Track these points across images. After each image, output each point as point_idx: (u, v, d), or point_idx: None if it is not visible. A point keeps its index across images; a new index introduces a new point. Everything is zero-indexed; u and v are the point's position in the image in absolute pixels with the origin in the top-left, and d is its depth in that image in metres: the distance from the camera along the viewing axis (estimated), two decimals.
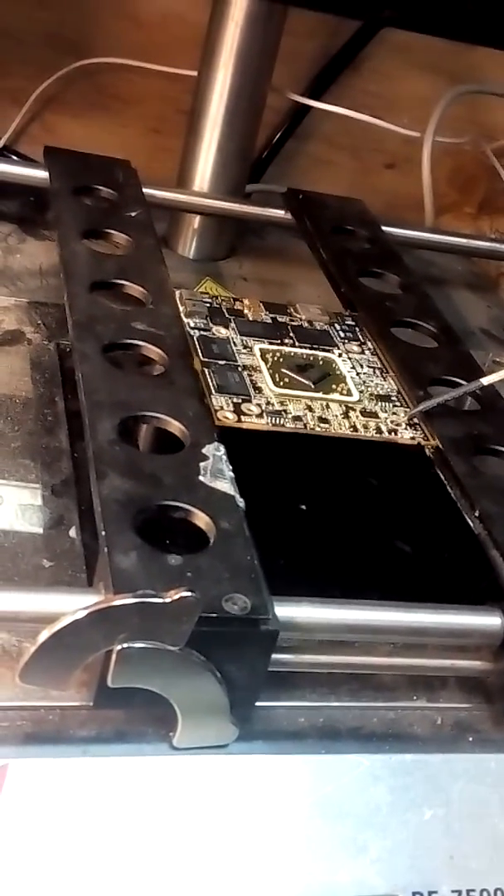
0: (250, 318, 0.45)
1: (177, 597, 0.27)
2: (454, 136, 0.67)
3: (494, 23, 0.42)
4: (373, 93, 0.68)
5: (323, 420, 0.39)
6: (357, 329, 0.46)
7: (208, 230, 0.59)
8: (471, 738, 0.33)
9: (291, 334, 0.44)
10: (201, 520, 0.31)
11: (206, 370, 0.40)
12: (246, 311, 0.45)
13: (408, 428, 0.40)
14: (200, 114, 0.55)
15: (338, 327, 0.46)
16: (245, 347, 0.42)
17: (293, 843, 0.30)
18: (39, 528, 0.37)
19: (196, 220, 0.59)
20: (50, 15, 0.61)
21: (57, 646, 0.27)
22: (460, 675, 0.35)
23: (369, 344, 0.46)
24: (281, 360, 0.42)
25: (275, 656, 0.30)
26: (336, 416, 0.40)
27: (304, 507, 0.38)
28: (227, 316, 0.44)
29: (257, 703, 0.31)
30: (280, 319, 0.45)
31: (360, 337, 0.46)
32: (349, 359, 0.44)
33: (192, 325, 0.43)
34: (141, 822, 0.29)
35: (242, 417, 0.38)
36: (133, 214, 0.49)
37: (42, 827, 0.28)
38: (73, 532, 0.37)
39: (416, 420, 0.41)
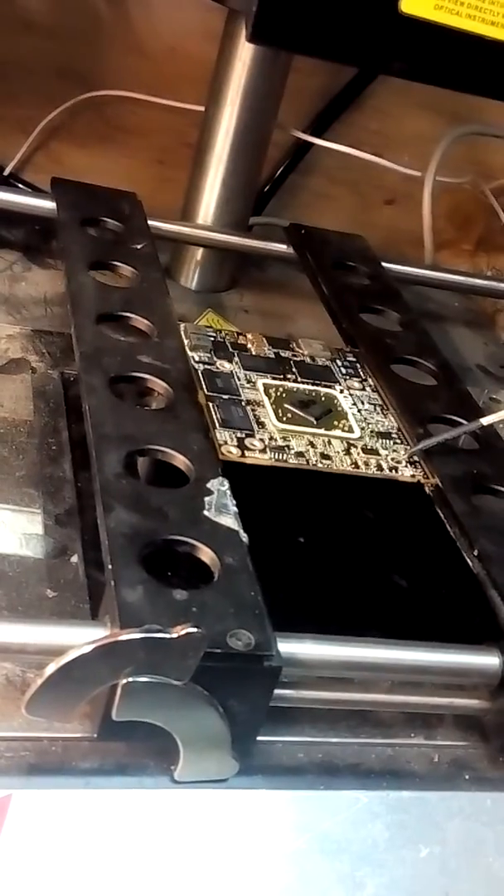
0: (253, 353, 0.45)
1: (183, 633, 0.27)
2: (454, 175, 0.68)
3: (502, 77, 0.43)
4: (374, 130, 0.69)
5: (325, 456, 0.40)
6: (358, 365, 0.47)
7: (211, 262, 0.60)
8: (467, 776, 0.34)
9: (294, 369, 0.45)
10: (206, 555, 0.32)
11: (210, 404, 0.41)
12: (249, 345, 0.46)
13: (408, 466, 0.41)
14: (206, 149, 0.56)
15: (339, 363, 0.47)
16: (248, 382, 0.43)
17: (291, 878, 0.30)
18: (43, 557, 0.37)
19: (199, 252, 0.59)
20: (59, 47, 0.62)
21: (63, 679, 0.27)
22: (457, 713, 0.35)
23: (370, 380, 0.46)
24: (284, 395, 0.43)
25: (275, 691, 0.30)
26: (338, 452, 0.40)
27: (305, 542, 0.38)
28: (230, 350, 0.45)
29: (257, 738, 0.31)
30: (283, 354, 0.46)
31: (362, 373, 0.47)
32: (350, 395, 0.45)
33: (196, 358, 0.43)
34: (141, 855, 0.29)
35: (246, 452, 0.39)
36: (139, 247, 0.49)
37: (44, 857, 0.28)
38: (76, 562, 0.37)
39: (416, 458, 0.41)
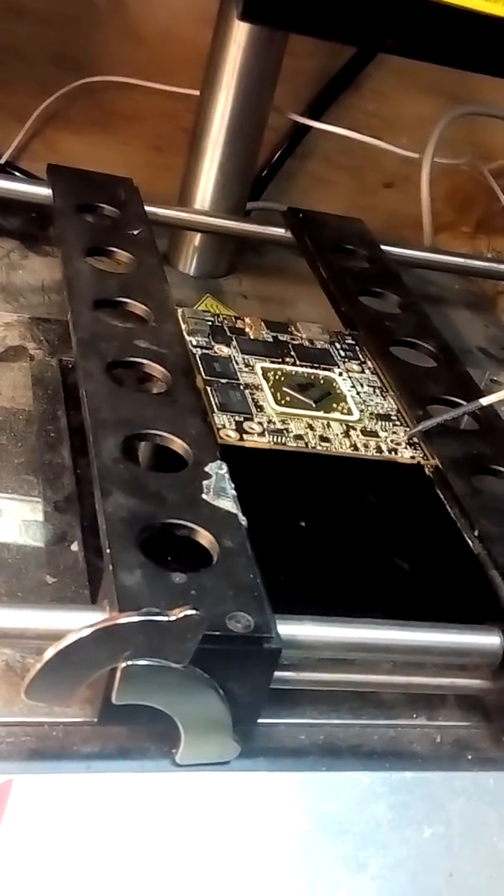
0: (252, 337, 0.45)
1: (181, 615, 0.27)
2: (452, 156, 0.68)
3: (497, 52, 0.43)
4: (372, 113, 0.68)
5: (324, 439, 0.40)
6: (357, 348, 0.47)
7: (209, 248, 0.60)
8: (469, 756, 0.34)
9: (292, 353, 0.45)
10: (204, 538, 0.32)
11: (208, 388, 0.40)
12: (247, 329, 0.46)
13: (408, 447, 0.41)
14: (202, 133, 0.56)
15: (338, 346, 0.47)
16: (247, 366, 0.43)
17: (294, 860, 0.30)
18: (42, 543, 0.37)
19: (197, 238, 0.59)
20: (54, 33, 0.62)
21: (62, 663, 0.27)
22: (459, 694, 0.35)
23: (369, 363, 0.46)
24: (282, 378, 0.43)
25: (276, 673, 0.30)
26: (337, 434, 0.40)
27: (304, 525, 0.38)
28: (228, 334, 0.45)
29: (258, 721, 0.31)
30: (281, 338, 0.46)
31: (360, 356, 0.46)
32: (349, 378, 0.44)
33: (194, 343, 0.43)
34: (143, 838, 0.29)
35: (244, 436, 0.38)
36: (135, 233, 0.49)
37: (46, 842, 0.28)
38: (75, 548, 0.37)
39: (415, 439, 0.41)
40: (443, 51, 0.43)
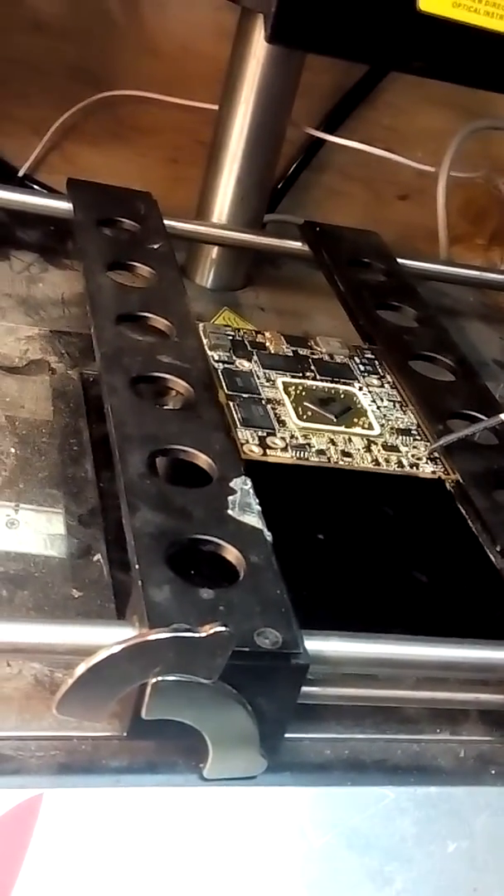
0: (272, 351, 0.46)
1: (211, 631, 0.27)
2: (467, 169, 0.68)
3: None
4: (387, 126, 0.69)
5: (346, 454, 0.40)
6: (376, 362, 0.47)
7: (226, 260, 0.60)
8: (493, 771, 0.34)
9: (313, 367, 0.45)
10: (231, 553, 0.32)
11: (230, 403, 0.41)
12: (268, 343, 0.46)
13: (428, 462, 0.41)
14: (221, 147, 0.56)
15: (357, 360, 0.47)
16: (268, 381, 0.43)
17: (320, 874, 0.31)
18: (67, 557, 0.37)
19: (214, 251, 0.60)
20: (72, 47, 0.62)
21: (93, 679, 0.27)
22: (483, 708, 0.35)
23: (389, 377, 0.46)
24: (303, 393, 0.43)
25: (302, 689, 0.30)
26: (358, 449, 0.41)
27: (327, 539, 0.38)
28: (249, 349, 0.45)
29: (285, 735, 0.31)
30: (301, 352, 0.46)
31: (380, 370, 0.47)
32: (369, 392, 0.45)
33: (216, 357, 0.44)
34: (172, 852, 0.29)
35: (268, 451, 0.39)
36: (156, 247, 0.49)
37: (75, 856, 0.29)
38: (100, 562, 0.37)
39: (436, 454, 0.41)
40: (466, 72, 0.44)
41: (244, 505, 0.34)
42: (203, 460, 0.36)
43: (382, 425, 0.42)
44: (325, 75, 0.66)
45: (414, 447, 0.42)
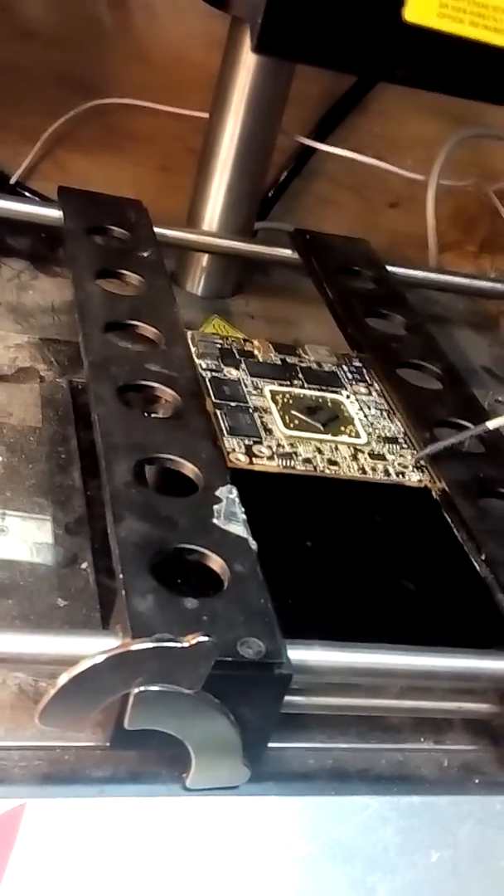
0: (260, 360, 0.46)
1: (194, 642, 0.27)
2: (457, 177, 0.68)
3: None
4: (377, 134, 0.69)
5: (332, 462, 0.40)
6: (364, 370, 0.47)
7: (216, 268, 0.60)
8: (477, 780, 0.34)
9: (300, 376, 0.45)
10: (216, 563, 0.32)
11: (217, 412, 0.41)
12: (256, 352, 0.46)
13: (415, 470, 0.41)
14: (211, 155, 0.56)
15: (345, 369, 0.47)
16: (255, 389, 0.43)
17: (303, 884, 0.31)
18: (54, 566, 0.37)
19: (204, 258, 0.60)
20: (63, 56, 0.63)
21: (76, 689, 0.27)
22: (466, 718, 0.35)
23: (376, 385, 0.46)
24: (291, 401, 0.43)
25: (285, 698, 0.30)
26: (345, 458, 0.41)
27: (313, 548, 0.38)
28: (237, 357, 0.45)
29: (268, 745, 0.31)
30: (289, 361, 0.46)
31: (368, 378, 0.47)
32: (357, 400, 0.45)
33: (203, 366, 0.44)
34: (154, 862, 0.29)
35: (254, 459, 0.39)
36: (145, 255, 0.50)
37: (58, 866, 0.29)
38: (87, 570, 0.37)
39: (422, 463, 0.42)
40: (452, 81, 0.44)
41: (229, 514, 0.34)
42: (189, 469, 0.36)
43: (369, 434, 0.43)
44: (315, 84, 0.66)
45: (401, 455, 0.42)
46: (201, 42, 0.62)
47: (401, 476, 0.41)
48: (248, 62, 0.53)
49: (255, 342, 0.47)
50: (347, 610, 0.37)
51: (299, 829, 0.31)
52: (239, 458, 0.39)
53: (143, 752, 0.31)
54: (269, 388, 0.44)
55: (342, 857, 0.31)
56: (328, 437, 0.42)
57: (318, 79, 0.66)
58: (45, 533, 0.39)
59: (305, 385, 0.45)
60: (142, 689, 0.28)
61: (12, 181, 0.65)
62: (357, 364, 0.48)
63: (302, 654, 0.31)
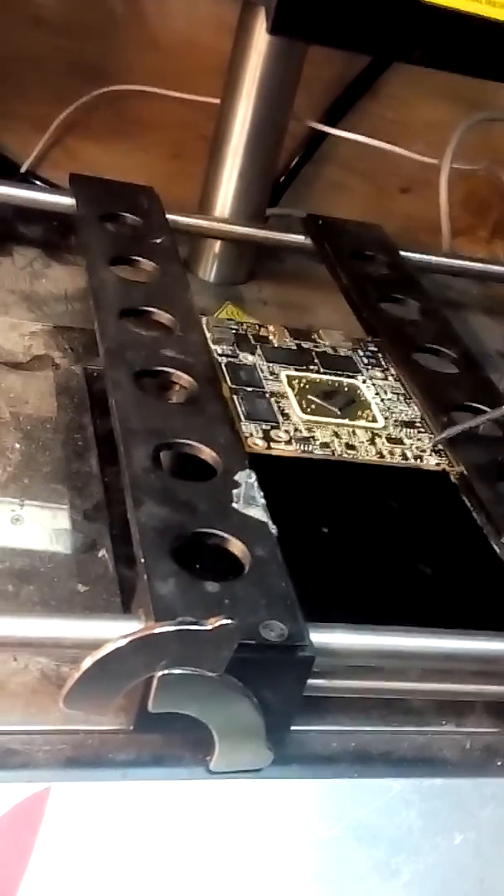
0: (276, 345, 0.46)
1: (217, 624, 0.27)
2: (469, 161, 0.68)
3: None
4: (389, 119, 0.69)
5: (350, 446, 0.40)
6: (380, 355, 0.47)
7: (229, 254, 0.60)
8: (499, 763, 0.34)
9: (316, 360, 0.45)
10: (236, 547, 0.32)
11: (234, 397, 0.41)
12: (271, 337, 0.46)
13: (433, 454, 0.41)
14: (223, 141, 0.56)
15: (361, 353, 0.47)
16: (272, 374, 0.43)
17: (327, 866, 0.31)
18: (73, 552, 0.37)
19: (217, 245, 0.59)
20: (73, 43, 0.62)
21: (100, 673, 0.27)
22: (488, 700, 0.35)
23: (392, 370, 0.46)
24: (307, 386, 0.43)
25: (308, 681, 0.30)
26: (363, 442, 0.41)
27: (331, 532, 0.38)
28: (253, 342, 0.45)
29: (291, 728, 0.31)
30: (305, 345, 0.46)
31: (383, 363, 0.47)
32: (373, 385, 0.45)
33: (219, 351, 0.44)
34: (178, 845, 0.30)
35: (272, 444, 0.39)
36: (158, 241, 0.49)
37: (82, 848, 0.29)
38: (105, 556, 0.37)
39: (440, 446, 0.41)
40: (469, 62, 0.43)
41: (249, 498, 0.34)
42: (207, 454, 0.36)
43: (386, 418, 0.42)
44: (326, 68, 0.66)
45: (418, 439, 0.42)
46: (211, 27, 0.62)
47: (419, 460, 0.41)
48: (259, 47, 0.52)
49: (271, 327, 0.47)
50: (366, 593, 0.37)
51: (322, 812, 0.31)
52: (257, 443, 0.38)
53: (167, 736, 0.31)
54: (285, 373, 0.44)
55: (366, 840, 0.31)
56: (345, 421, 0.41)
57: (329, 63, 0.66)
58: (63, 520, 0.39)
59: (321, 370, 0.45)
60: (165, 672, 0.28)
61: (23, 169, 0.65)
62: (372, 349, 0.48)
63: (324, 637, 0.30)
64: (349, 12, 0.41)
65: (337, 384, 0.44)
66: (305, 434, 0.40)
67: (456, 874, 0.32)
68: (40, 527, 0.38)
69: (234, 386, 0.41)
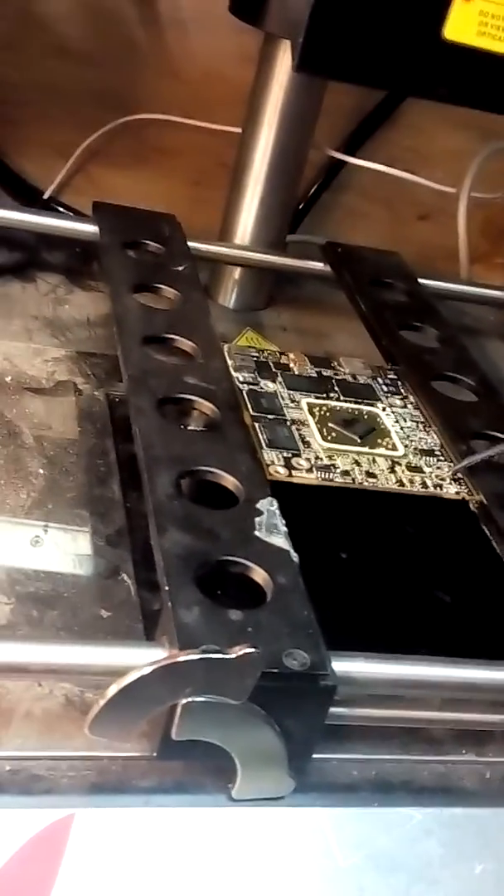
0: (296, 373, 0.46)
1: (241, 653, 0.28)
2: (487, 190, 0.69)
3: None
4: (408, 147, 0.69)
5: (370, 474, 0.40)
6: (399, 383, 0.48)
7: (249, 281, 0.60)
8: None
9: (336, 388, 0.46)
10: (259, 575, 0.32)
11: (256, 424, 0.41)
12: (292, 364, 0.47)
13: (452, 483, 0.41)
14: (244, 169, 0.57)
15: (380, 381, 0.47)
16: (292, 401, 0.44)
17: (347, 894, 0.31)
18: (95, 577, 0.38)
19: (237, 272, 0.60)
20: (97, 72, 0.63)
21: (124, 699, 0.28)
22: None
23: (411, 398, 0.47)
24: (328, 414, 0.43)
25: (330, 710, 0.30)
26: (383, 470, 0.41)
27: (352, 560, 0.38)
28: (273, 370, 0.46)
29: (312, 756, 0.31)
30: (325, 373, 0.47)
31: (403, 391, 0.47)
32: (392, 413, 0.45)
33: (241, 379, 0.44)
34: (200, 872, 0.30)
35: (293, 472, 0.39)
36: (180, 269, 0.50)
37: (106, 875, 0.29)
38: (127, 582, 0.38)
39: (460, 475, 0.42)
40: (491, 99, 0.44)
41: (271, 526, 0.34)
42: (230, 481, 0.36)
43: (406, 446, 0.43)
44: (346, 97, 0.66)
45: (438, 468, 0.42)
46: (232, 57, 0.63)
47: (438, 488, 0.41)
48: (281, 78, 0.53)
49: (291, 355, 0.47)
50: (386, 621, 0.37)
51: (343, 840, 0.31)
52: (278, 471, 0.39)
53: (190, 763, 0.31)
54: (305, 400, 0.44)
55: (386, 869, 0.31)
56: (365, 449, 0.42)
57: (349, 92, 0.66)
58: (85, 545, 0.39)
59: (342, 397, 0.45)
60: (189, 699, 0.28)
61: (45, 196, 0.66)
62: (392, 376, 0.48)
63: (346, 666, 0.31)
64: (375, 51, 0.42)
65: (357, 412, 0.44)
66: (326, 462, 0.40)
67: None
68: (63, 551, 0.38)
69: (255, 413, 0.42)
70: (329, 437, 0.42)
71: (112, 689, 0.27)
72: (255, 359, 0.46)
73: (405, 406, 0.46)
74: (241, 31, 0.53)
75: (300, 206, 0.69)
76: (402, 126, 0.69)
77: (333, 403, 0.44)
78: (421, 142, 0.69)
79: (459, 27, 0.41)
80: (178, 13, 0.63)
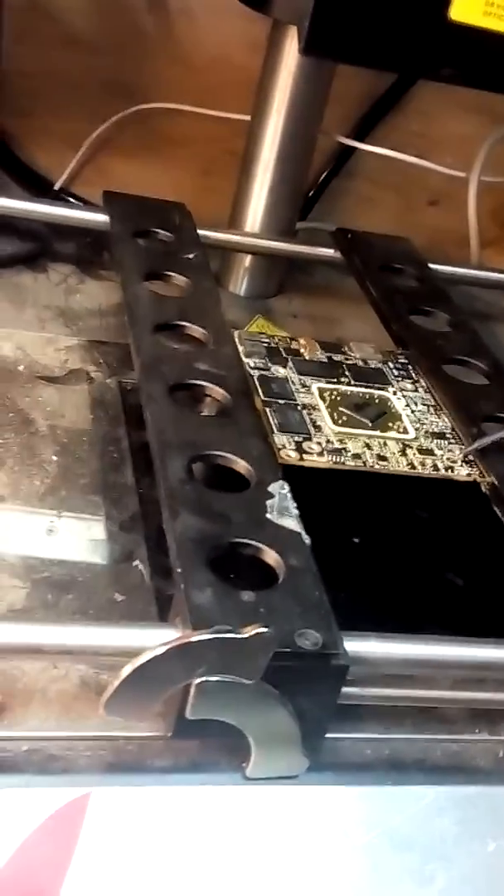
0: (307, 358, 0.46)
1: (253, 633, 0.28)
2: (497, 174, 0.68)
3: None
4: (417, 132, 0.69)
5: (381, 458, 0.41)
6: (410, 367, 0.48)
7: (259, 269, 0.61)
8: None
9: (347, 373, 0.46)
10: (270, 556, 0.33)
11: (267, 409, 0.41)
12: (302, 350, 0.47)
13: (463, 465, 0.41)
14: (253, 157, 0.57)
15: (391, 365, 0.47)
16: (303, 386, 0.44)
17: (362, 872, 0.31)
18: (110, 563, 0.38)
19: (247, 259, 0.60)
20: (106, 62, 0.64)
21: (139, 680, 0.28)
22: None
23: (422, 382, 0.47)
24: (338, 398, 0.43)
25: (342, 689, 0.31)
26: (394, 453, 0.41)
27: (363, 542, 0.39)
28: (284, 355, 0.46)
29: (325, 735, 0.32)
30: (335, 358, 0.47)
31: (413, 375, 0.47)
32: (403, 397, 0.45)
33: (251, 364, 0.44)
34: (216, 850, 0.30)
35: (304, 456, 0.39)
36: (190, 257, 0.50)
37: (122, 853, 0.29)
38: (141, 567, 0.38)
39: (471, 457, 0.42)
40: (498, 79, 0.44)
41: (282, 509, 0.35)
42: (241, 465, 0.36)
43: (417, 429, 0.43)
44: (354, 83, 0.66)
45: (449, 450, 0.42)
46: (241, 45, 0.63)
47: (450, 471, 0.41)
48: (289, 64, 0.53)
49: (301, 340, 0.47)
50: (398, 603, 0.38)
51: (357, 819, 0.32)
52: (290, 455, 0.39)
53: (204, 742, 0.32)
54: (316, 385, 0.44)
55: (400, 846, 0.32)
56: (376, 432, 0.42)
57: (357, 78, 0.66)
58: (99, 531, 0.39)
59: (352, 382, 0.45)
60: (203, 679, 0.28)
61: (56, 186, 0.66)
62: (402, 361, 0.48)
63: (358, 646, 0.31)
64: (380, 32, 0.42)
65: (368, 396, 0.44)
66: (337, 445, 0.40)
67: (490, 881, 0.32)
68: (77, 537, 0.39)
69: (266, 398, 0.42)
70: (340, 421, 0.42)
71: (126, 670, 0.28)
72: (265, 345, 0.46)
73: (416, 390, 0.46)
74: (248, 19, 0.53)
75: (310, 193, 0.69)
76: (411, 111, 0.69)
77: (344, 388, 0.44)
78: (430, 127, 0.69)
79: (465, 8, 0.41)
80: (186, 2, 0.63)
